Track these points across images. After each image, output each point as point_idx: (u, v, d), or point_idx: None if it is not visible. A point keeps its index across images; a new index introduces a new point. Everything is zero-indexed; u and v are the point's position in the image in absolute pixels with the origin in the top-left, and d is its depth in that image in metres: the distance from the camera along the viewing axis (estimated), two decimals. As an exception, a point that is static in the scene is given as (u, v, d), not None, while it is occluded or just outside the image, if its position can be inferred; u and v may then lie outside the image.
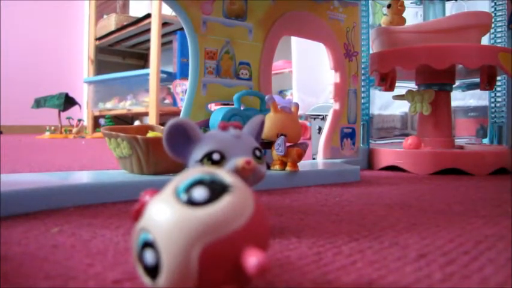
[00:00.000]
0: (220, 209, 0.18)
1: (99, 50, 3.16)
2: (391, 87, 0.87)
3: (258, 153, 0.30)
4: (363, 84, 0.84)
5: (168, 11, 2.35)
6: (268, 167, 0.59)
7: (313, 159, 0.82)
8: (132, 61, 3.35)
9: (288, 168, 0.58)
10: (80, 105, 2.50)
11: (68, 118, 2.42)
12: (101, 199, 0.44)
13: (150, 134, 0.54)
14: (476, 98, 1.22)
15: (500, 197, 0.52)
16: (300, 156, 0.57)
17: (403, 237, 0.32)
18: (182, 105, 0.62)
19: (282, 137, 0.55)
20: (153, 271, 0.18)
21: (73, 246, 0.28)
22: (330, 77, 0.80)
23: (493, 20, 0.90)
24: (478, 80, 0.87)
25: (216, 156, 0.28)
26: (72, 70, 3.46)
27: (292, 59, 1.96)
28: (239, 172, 0.27)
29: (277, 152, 0.56)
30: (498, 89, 0.94)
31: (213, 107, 0.65)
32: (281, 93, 2.44)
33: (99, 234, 0.32)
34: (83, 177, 0.52)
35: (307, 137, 1.63)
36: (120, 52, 3.28)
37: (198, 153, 0.28)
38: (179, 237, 0.17)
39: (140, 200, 0.21)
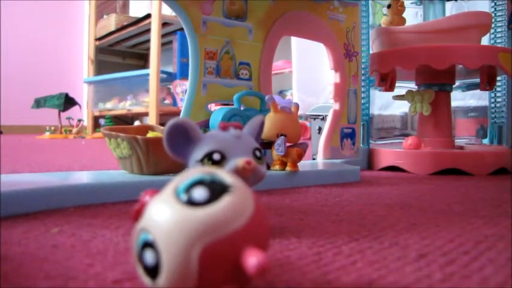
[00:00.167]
0: (220, 209, 0.18)
1: (99, 50, 3.16)
2: (391, 88, 0.87)
3: (258, 153, 0.30)
4: (363, 84, 0.84)
5: (168, 11, 2.35)
6: (268, 167, 0.59)
7: (313, 159, 0.82)
8: (132, 61, 3.35)
9: (288, 168, 0.58)
10: (80, 106, 2.50)
11: (68, 118, 2.42)
12: (101, 199, 0.44)
13: (150, 134, 0.54)
14: (476, 98, 1.22)
15: (500, 197, 0.52)
16: (300, 157, 0.57)
17: (403, 237, 0.32)
18: (182, 105, 0.62)
19: (282, 137, 0.55)
20: (153, 271, 0.18)
21: (73, 246, 0.28)
22: (330, 77, 0.80)
23: (493, 20, 0.90)
24: (478, 80, 0.87)
25: (216, 156, 0.28)
26: (72, 70, 3.46)
27: (292, 59, 1.96)
28: (239, 172, 0.27)
29: (277, 152, 0.56)
30: (498, 89, 0.94)
31: (213, 107, 0.65)
32: (281, 93, 2.44)
33: (99, 234, 0.32)
34: (83, 177, 0.52)
35: (307, 137, 1.63)
36: (120, 52, 3.28)
37: (199, 153, 0.28)
38: (179, 238, 0.17)
39: (140, 200, 0.21)
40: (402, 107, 1.29)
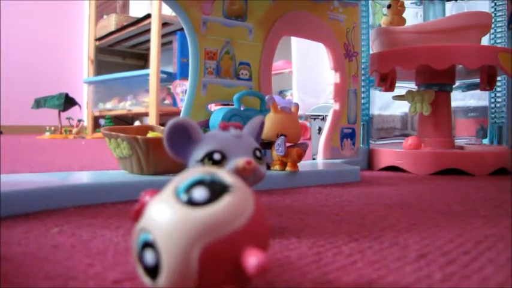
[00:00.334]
0: (220, 209, 0.18)
1: (99, 50, 3.16)
2: (391, 88, 0.87)
3: (258, 153, 0.30)
4: (363, 84, 0.84)
5: (168, 11, 2.35)
6: (268, 167, 0.59)
7: (313, 159, 0.82)
8: (132, 61, 3.35)
9: (288, 168, 0.58)
10: (80, 106, 2.50)
11: (68, 118, 2.42)
12: (101, 199, 0.44)
13: (150, 134, 0.54)
14: (476, 99, 1.22)
15: (500, 197, 0.52)
16: (300, 157, 0.57)
17: (403, 237, 0.32)
18: (182, 105, 0.62)
19: (282, 137, 0.55)
20: (153, 271, 0.18)
21: (73, 246, 0.28)
22: (330, 77, 0.80)
23: (493, 20, 0.90)
24: (478, 80, 0.87)
25: (216, 156, 0.28)
26: (72, 70, 3.46)
27: (292, 59, 1.96)
28: (239, 172, 0.27)
29: (277, 152, 0.56)
30: (498, 89, 0.94)
31: (213, 107, 0.65)
32: (281, 93, 2.44)
33: (99, 234, 0.32)
34: (83, 177, 0.52)
35: (307, 137, 1.63)
36: (120, 52, 3.28)
37: (199, 153, 0.28)
38: (179, 238, 0.17)
39: (140, 200, 0.21)
40: (402, 107, 1.29)
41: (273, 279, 0.23)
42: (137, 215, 0.20)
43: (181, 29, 1.72)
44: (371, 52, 0.88)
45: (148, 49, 2.62)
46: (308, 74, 1.88)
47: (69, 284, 0.22)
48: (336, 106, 0.80)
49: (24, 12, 3.24)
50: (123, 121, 2.93)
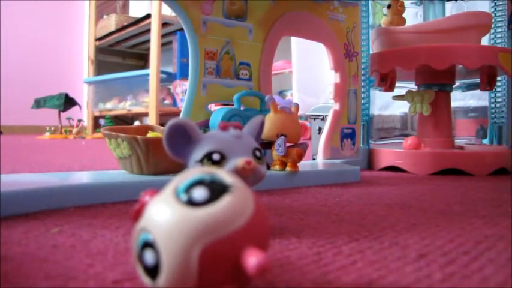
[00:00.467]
0: (220, 209, 0.18)
1: (99, 50, 3.16)
2: (391, 88, 0.87)
3: (258, 153, 0.30)
4: (363, 84, 0.84)
5: (168, 11, 2.35)
6: (268, 167, 0.59)
7: (313, 159, 0.82)
8: (132, 61, 3.35)
9: (288, 168, 0.58)
10: (80, 106, 2.50)
11: (68, 118, 2.42)
12: (101, 199, 0.44)
13: (150, 135, 0.54)
14: (476, 99, 1.22)
15: (500, 197, 0.52)
16: (300, 157, 0.57)
17: (403, 237, 0.32)
18: (182, 105, 0.62)
19: (282, 137, 0.55)
20: (153, 271, 0.18)
21: (73, 246, 0.28)
22: (330, 78, 0.80)
23: (493, 20, 0.90)
24: (478, 80, 0.87)
25: (216, 157, 0.28)
26: (72, 70, 3.46)
27: (292, 59, 1.96)
28: (239, 172, 0.27)
29: (277, 152, 0.56)
30: (498, 89, 0.94)
31: (213, 107, 0.65)
32: (281, 93, 2.44)
33: (99, 234, 0.32)
34: (83, 177, 0.52)
35: (307, 137, 1.63)
36: (120, 52, 3.28)
37: (198, 153, 0.28)
38: (179, 238, 0.17)
39: (140, 200, 0.21)
40: (402, 107, 1.29)
41: (273, 279, 0.23)
42: (137, 215, 0.20)
43: (181, 29, 1.72)
44: (371, 52, 0.88)
45: (148, 49, 2.62)
46: (308, 74, 1.88)
47: (69, 284, 0.22)
48: (336, 106, 0.80)
49: (24, 12, 3.24)
50: (123, 121, 2.93)
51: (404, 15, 0.91)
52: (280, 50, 0.74)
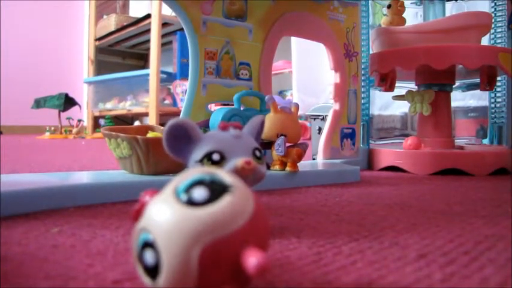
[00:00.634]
0: (220, 209, 0.18)
1: (99, 50, 3.16)
2: (391, 88, 0.87)
3: (258, 153, 0.30)
4: (363, 84, 0.84)
5: (168, 11, 2.35)
6: (268, 167, 0.59)
7: (313, 159, 0.82)
8: (132, 61, 3.35)
9: (287, 168, 0.58)
10: (80, 106, 2.50)
11: (68, 118, 2.42)
12: (101, 199, 0.44)
13: (150, 134, 0.54)
14: (476, 99, 1.22)
15: (500, 197, 0.52)
16: (300, 157, 0.57)
17: (403, 237, 0.32)
18: (182, 105, 0.62)
19: (282, 137, 0.55)
20: (153, 271, 0.18)
21: (73, 246, 0.28)
22: (330, 77, 0.80)
23: (493, 20, 0.90)
24: (478, 80, 0.87)
25: (216, 157, 0.28)
26: (72, 70, 3.46)
27: (292, 59, 1.96)
28: (239, 172, 0.27)
29: (277, 152, 0.56)
30: (498, 89, 0.94)
31: (213, 107, 0.65)
32: (281, 93, 2.44)
33: (99, 234, 0.32)
34: (83, 177, 0.52)
35: (307, 137, 1.63)
36: (120, 52, 3.28)
37: (198, 153, 0.28)
38: (179, 237, 0.17)
39: (140, 200, 0.21)
40: (402, 107, 1.29)
41: (273, 279, 0.23)
42: (137, 215, 0.20)
43: (181, 29, 1.72)
44: (371, 52, 0.88)
45: (148, 49, 2.62)
46: (308, 74, 1.88)
47: (69, 284, 0.22)
48: (336, 106, 0.80)
49: (24, 12, 3.24)
50: (123, 121, 2.93)
51: (404, 15, 0.91)
52: (280, 50, 0.74)
